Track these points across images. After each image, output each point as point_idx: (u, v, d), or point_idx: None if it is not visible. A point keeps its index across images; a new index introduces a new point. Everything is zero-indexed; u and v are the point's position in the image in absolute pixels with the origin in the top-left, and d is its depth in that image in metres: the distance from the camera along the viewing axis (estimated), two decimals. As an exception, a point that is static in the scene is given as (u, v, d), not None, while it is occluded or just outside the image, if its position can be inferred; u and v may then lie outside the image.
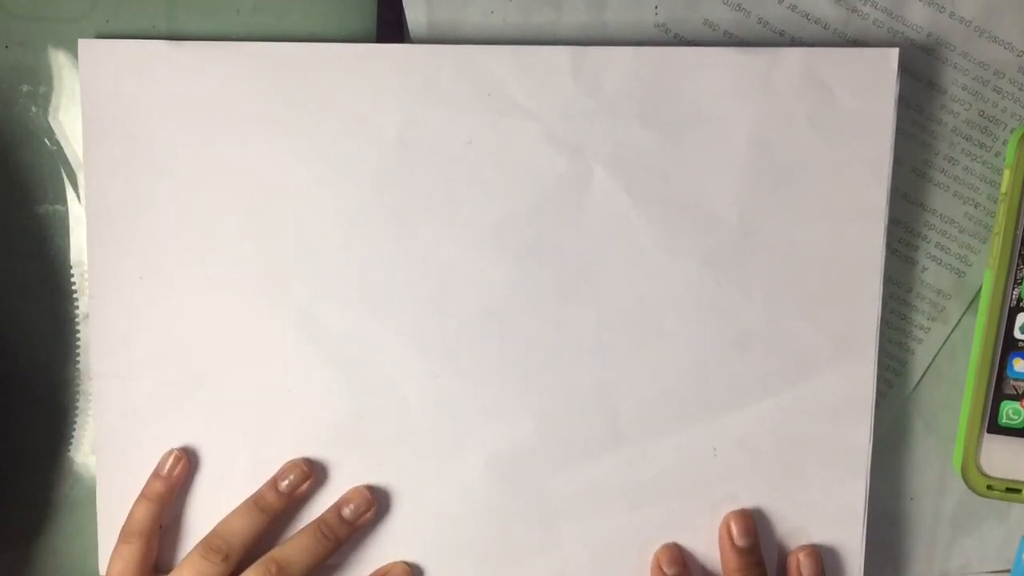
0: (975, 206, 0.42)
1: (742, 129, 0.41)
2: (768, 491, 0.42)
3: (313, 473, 0.42)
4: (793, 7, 0.41)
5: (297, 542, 0.40)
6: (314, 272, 0.41)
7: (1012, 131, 0.41)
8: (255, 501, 0.41)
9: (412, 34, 0.42)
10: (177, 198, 0.41)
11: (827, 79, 0.40)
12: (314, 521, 0.41)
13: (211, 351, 0.41)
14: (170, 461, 0.42)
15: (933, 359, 0.43)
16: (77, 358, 0.43)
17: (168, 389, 0.42)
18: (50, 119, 0.42)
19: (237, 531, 0.40)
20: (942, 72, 0.41)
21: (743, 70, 0.40)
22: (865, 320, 0.41)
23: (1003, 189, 0.40)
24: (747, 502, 0.42)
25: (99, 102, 0.41)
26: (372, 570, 0.42)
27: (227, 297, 0.42)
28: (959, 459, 0.41)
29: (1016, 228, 0.40)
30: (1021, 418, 0.41)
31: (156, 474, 0.42)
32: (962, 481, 0.41)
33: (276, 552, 0.40)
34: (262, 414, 0.42)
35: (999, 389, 0.41)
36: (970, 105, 0.42)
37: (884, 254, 0.41)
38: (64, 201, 0.43)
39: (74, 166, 0.43)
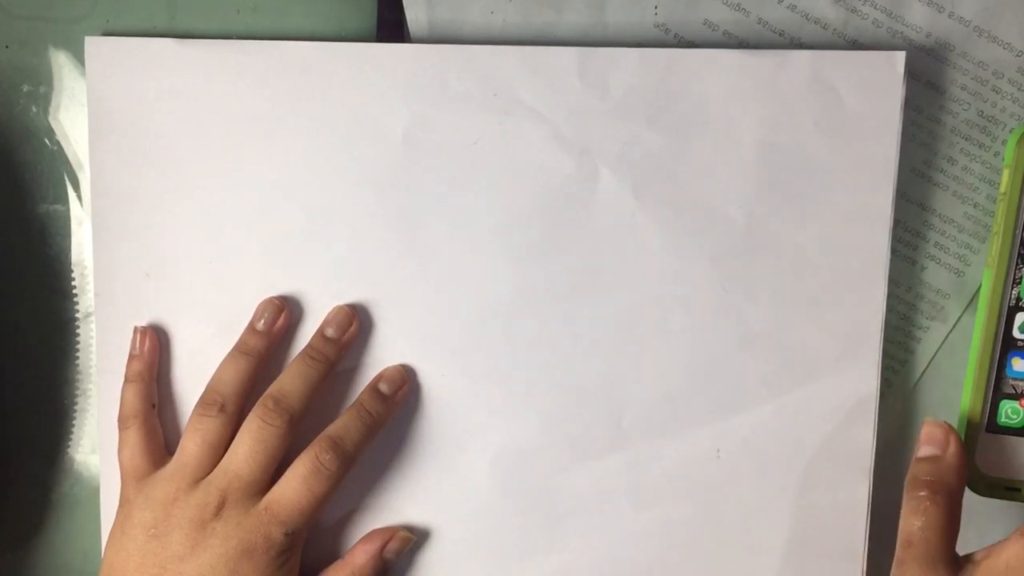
0: (974, 206, 0.42)
1: (749, 131, 0.41)
2: (771, 493, 0.42)
3: (287, 307, 0.41)
4: (792, 7, 0.41)
5: (288, 373, 0.40)
6: (320, 270, 0.41)
7: (1011, 131, 0.42)
8: (237, 348, 0.41)
9: (412, 34, 0.42)
10: (183, 196, 0.41)
11: (834, 82, 0.40)
12: (303, 350, 0.41)
13: (216, 350, 0.41)
14: (138, 338, 0.41)
15: (932, 358, 0.43)
16: (77, 358, 0.43)
17: (172, 388, 0.42)
18: (50, 119, 0.42)
19: (227, 380, 0.40)
20: (941, 72, 0.41)
21: (750, 72, 0.40)
22: (870, 322, 0.41)
23: (1002, 189, 0.40)
24: (750, 503, 0.42)
25: (105, 100, 0.41)
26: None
27: (233, 295, 0.42)
28: (958, 458, 0.41)
29: (1015, 228, 0.40)
30: (1020, 417, 0.41)
31: (131, 355, 0.41)
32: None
33: (271, 388, 0.40)
34: None
35: (998, 388, 0.41)
36: (969, 105, 0.42)
37: (889, 257, 0.41)
38: (64, 201, 0.43)
39: (74, 166, 0.43)
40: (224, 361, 0.41)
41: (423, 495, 0.42)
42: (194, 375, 0.42)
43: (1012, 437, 0.41)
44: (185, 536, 0.38)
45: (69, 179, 0.43)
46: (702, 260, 0.41)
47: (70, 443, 0.44)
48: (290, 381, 0.40)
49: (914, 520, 0.38)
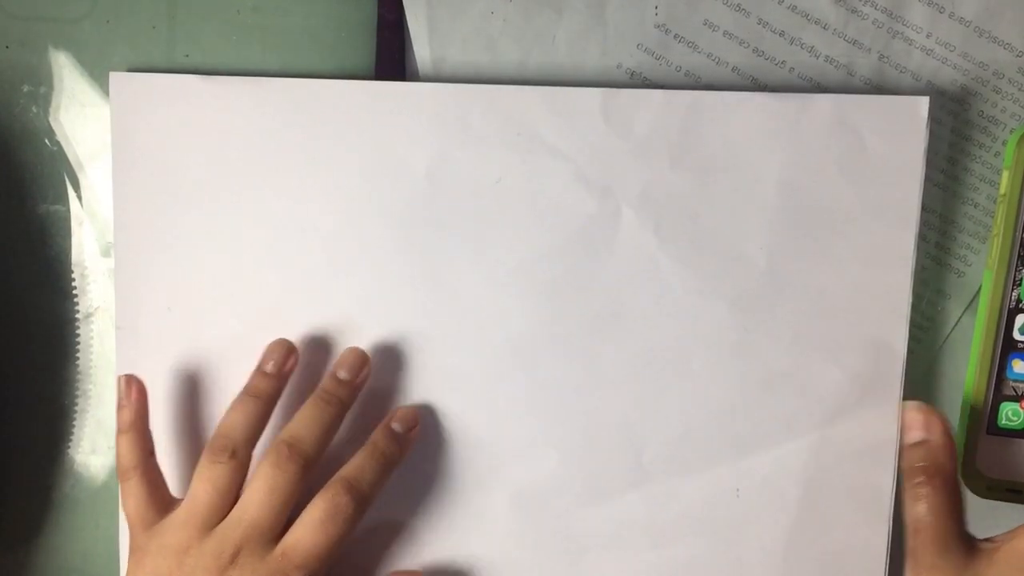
0: (974, 206, 0.42)
1: (771, 173, 0.41)
2: (791, 533, 0.42)
3: (296, 349, 0.41)
4: (793, 8, 0.41)
5: (301, 416, 0.39)
6: (341, 306, 0.41)
7: (1011, 132, 0.41)
8: (247, 391, 0.40)
9: (411, 33, 0.42)
10: (205, 231, 0.41)
11: (857, 125, 0.40)
12: (314, 393, 0.40)
13: (237, 386, 0.41)
14: (124, 386, 0.41)
15: (932, 359, 0.43)
16: (77, 358, 0.43)
17: (191, 424, 0.42)
18: (50, 119, 0.42)
19: (237, 425, 0.39)
20: (941, 72, 0.41)
21: (773, 115, 0.40)
22: (891, 364, 0.41)
23: (1002, 190, 0.40)
24: (770, 543, 0.42)
25: (129, 135, 0.41)
26: None
27: (253, 330, 0.41)
28: (959, 460, 0.41)
29: (1015, 229, 0.40)
30: (1021, 419, 0.40)
31: (120, 405, 0.41)
32: (962, 483, 0.41)
33: (283, 432, 0.39)
34: None
35: (999, 390, 0.40)
36: (969, 105, 0.42)
37: (911, 300, 0.41)
38: (64, 201, 0.43)
39: (74, 166, 0.43)
40: (233, 404, 0.40)
41: (442, 531, 0.42)
42: (217, 409, 0.42)
43: (1013, 439, 0.41)
44: None
45: (69, 179, 0.43)
46: (723, 300, 0.41)
47: (70, 443, 0.44)
48: (304, 425, 0.39)
49: (917, 507, 0.38)
